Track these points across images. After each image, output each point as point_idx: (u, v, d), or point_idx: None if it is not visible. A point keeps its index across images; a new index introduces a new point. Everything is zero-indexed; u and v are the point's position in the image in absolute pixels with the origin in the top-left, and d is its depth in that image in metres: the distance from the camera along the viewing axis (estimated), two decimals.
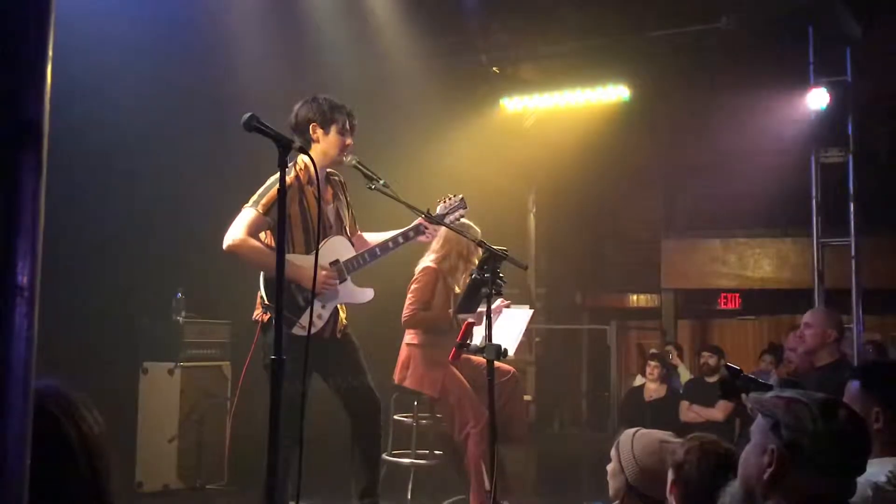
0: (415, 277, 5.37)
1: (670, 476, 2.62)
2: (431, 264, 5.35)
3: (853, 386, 2.81)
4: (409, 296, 5.33)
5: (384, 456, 5.17)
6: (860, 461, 2.00)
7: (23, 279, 0.77)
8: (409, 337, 5.41)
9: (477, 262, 5.31)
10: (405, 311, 5.31)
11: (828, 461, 1.91)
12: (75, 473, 1.12)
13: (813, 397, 1.99)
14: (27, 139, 0.78)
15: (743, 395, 3.98)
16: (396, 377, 5.42)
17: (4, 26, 0.76)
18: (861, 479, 2.06)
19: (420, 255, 5.46)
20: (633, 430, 3.02)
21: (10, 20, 0.76)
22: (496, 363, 3.80)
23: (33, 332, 0.79)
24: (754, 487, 1.97)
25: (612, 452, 2.97)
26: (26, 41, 0.77)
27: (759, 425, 2.02)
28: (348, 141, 4.31)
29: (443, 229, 4.82)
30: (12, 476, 0.75)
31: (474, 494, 5.15)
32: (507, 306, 5.35)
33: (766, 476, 1.94)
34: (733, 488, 2.06)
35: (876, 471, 2.42)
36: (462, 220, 4.65)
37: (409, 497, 5.43)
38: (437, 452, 5.70)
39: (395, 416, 5.67)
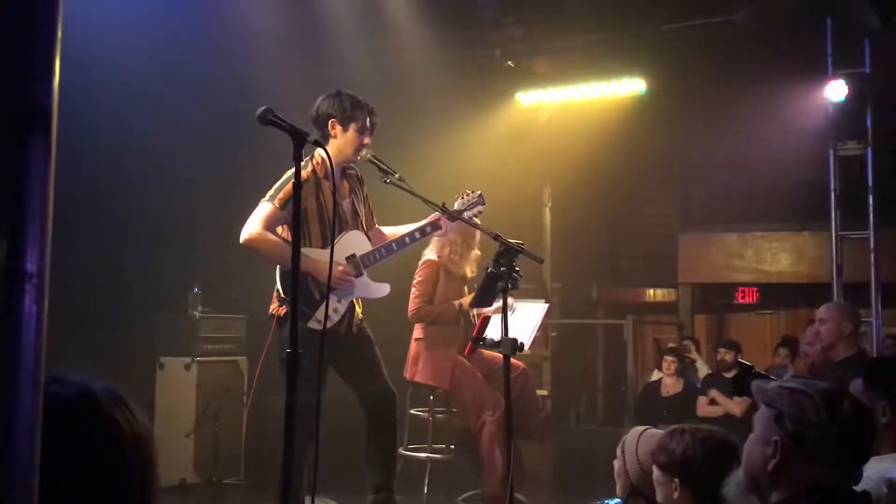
0: (417, 271, 5.37)
1: (667, 476, 2.52)
2: (432, 256, 5.36)
3: (857, 384, 2.80)
4: (412, 290, 5.33)
5: (400, 450, 5.17)
6: (865, 450, 1.99)
7: (32, 266, 0.77)
8: (417, 332, 5.43)
9: (478, 245, 5.34)
10: (410, 306, 5.32)
11: (833, 451, 1.91)
12: (126, 467, 1.13)
13: (816, 388, 1.98)
14: (35, 123, 0.77)
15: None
16: (408, 373, 5.42)
17: (10, 8, 0.76)
18: (874, 476, 2.04)
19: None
20: (641, 429, 2.99)
21: (17, 2, 0.76)
22: None
23: (43, 319, 0.78)
24: (759, 478, 1.96)
25: (618, 451, 2.95)
26: (33, 23, 0.77)
27: (762, 415, 2.01)
28: (366, 140, 4.30)
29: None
30: (21, 464, 0.74)
31: (486, 483, 5.15)
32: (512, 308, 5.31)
33: (770, 467, 1.93)
34: (738, 477, 2.05)
35: (889, 466, 2.40)
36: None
37: (425, 491, 5.42)
38: (452, 447, 5.70)
39: (411, 411, 5.67)
